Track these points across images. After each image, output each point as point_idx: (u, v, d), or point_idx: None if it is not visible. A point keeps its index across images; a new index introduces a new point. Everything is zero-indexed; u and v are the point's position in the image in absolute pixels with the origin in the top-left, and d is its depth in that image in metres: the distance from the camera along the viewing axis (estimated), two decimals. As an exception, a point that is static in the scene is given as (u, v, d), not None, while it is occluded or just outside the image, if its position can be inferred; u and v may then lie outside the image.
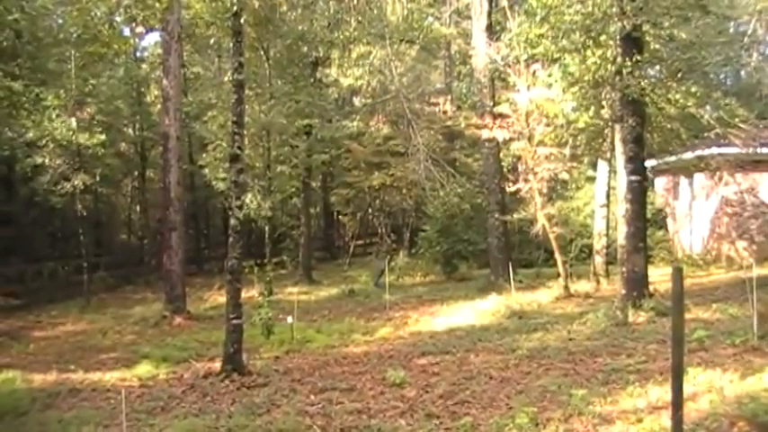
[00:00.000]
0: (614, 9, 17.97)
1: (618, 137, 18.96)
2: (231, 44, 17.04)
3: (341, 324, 21.20)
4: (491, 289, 25.19)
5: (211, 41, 37.76)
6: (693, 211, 30.48)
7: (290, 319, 18.71)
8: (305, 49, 35.45)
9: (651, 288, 18.88)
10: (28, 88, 26.75)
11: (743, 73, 52.71)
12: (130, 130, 44.03)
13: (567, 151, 24.64)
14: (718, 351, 12.94)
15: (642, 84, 18.07)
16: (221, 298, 21.66)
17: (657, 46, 19.97)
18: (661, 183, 34.41)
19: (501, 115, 25.26)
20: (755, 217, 27.49)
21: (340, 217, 50.55)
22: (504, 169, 30.23)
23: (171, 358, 16.78)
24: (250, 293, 23.74)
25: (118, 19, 21.41)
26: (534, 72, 23.23)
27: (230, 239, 14.71)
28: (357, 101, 48.18)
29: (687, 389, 9.24)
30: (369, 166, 39.25)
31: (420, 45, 41.84)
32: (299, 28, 33.50)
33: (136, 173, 45.17)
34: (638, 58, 18.05)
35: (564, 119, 23.32)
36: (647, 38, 19.21)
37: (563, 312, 20.12)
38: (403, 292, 28.03)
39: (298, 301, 21.92)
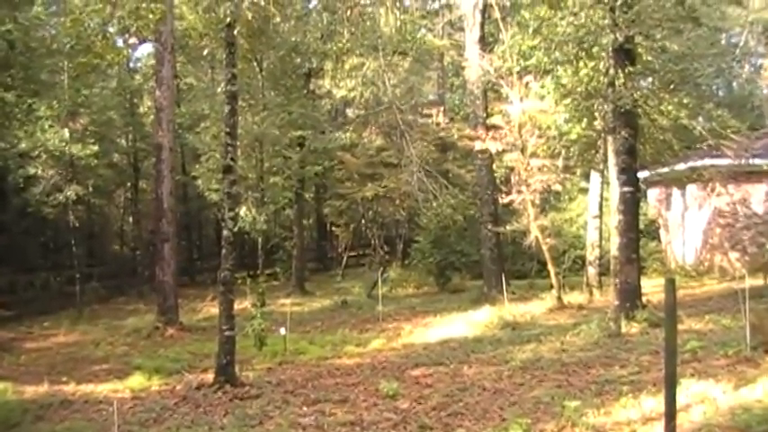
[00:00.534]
0: (606, 21, 18.02)
1: (610, 148, 18.98)
2: (224, 55, 17.05)
3: (334, 335, 21.19)
4: (484, 300, 25.21)
5: (204, 52, 37.76)
6: (686, 221, 30.54)
7: (282, 331, 18.67)
8: (298, 60, 35.50)
9: (644, 299, 18.90)
10: (21, 99, 26.85)
11: (735, 84, 52.96)
12: (123, 141, 44.00)
13: (559, 163, 24.67)
14: (712, 362, 12.94)
15: (635, 95, 18.12)
16: (214, 309, 21.66)
17: (650, 57, 20.04)
18: (654, 194, 34.46)
19: (494, 127, 25.28)
20: (748, 228, 27.54)
21: (333, 228, 50.46)
22: (497, 181, 30.24)
23: (163, 370, 16.73)
24: (243, 305, 23.69)
25: (111, 30, 21.42)
26: (527, 84, 23.27)
27: (223, 251, 14.69)
28: (350, 112, 48.22)
29: (680, 400, 9.25)
30: (362, 178, 39.22)
31: (413, 56, 41.86)
32: (293, 39, 33.56)
33: (129, 184, 45.07)
34: (631, 69, 18.12)
35: (557, 130, 23.38)
36: (640, 49, 19.29)
37: (556, 323, 20.11)
38: (396, 303, 28.01)
39: (290, 313, 21.88)
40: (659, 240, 32.81)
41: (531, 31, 20.64)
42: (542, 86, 22.38)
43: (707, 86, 37.05)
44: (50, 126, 30.48)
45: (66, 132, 30.98)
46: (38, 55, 29.87)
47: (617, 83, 18.05)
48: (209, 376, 14.65)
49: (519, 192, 23.92)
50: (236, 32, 21.31)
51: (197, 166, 34.73)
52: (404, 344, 19.23)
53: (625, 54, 18.19)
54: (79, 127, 32.33)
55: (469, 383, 13.13)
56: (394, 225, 45.52)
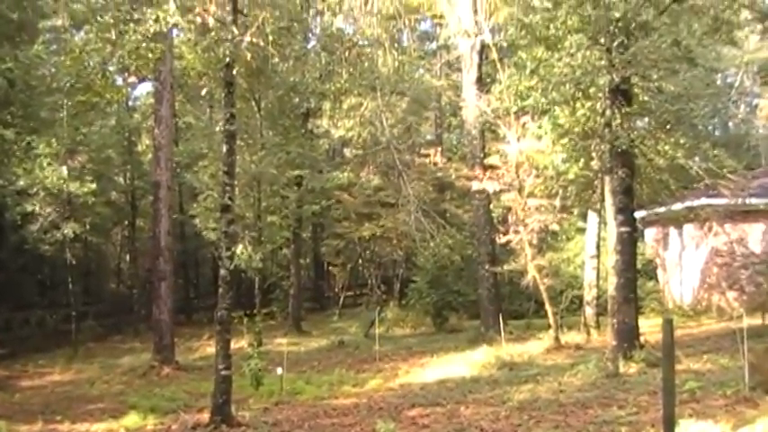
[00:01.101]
0: (603, 62, 18.13)
1: (607, 188, 19.02)
2: (223, 95, 17.12)
3: (330, 375, 21.08)
4: (481, 340, 25.11)
5: (203, 92, 37.96)
6: (683, 261, 30.53)
7: (279, 370, 18.58)
8: (296, 100, 35.65)
9: (642, 339, 18.83)
10: (20, 136, 26.90)
11: (731, 124, 53.29)
12: (121, 179, 44.03)
13: (557, 202, 24.72)
14: (710, 402, 12.87)
15: (631, 135, 18.19)
16: (210, 348, 21.52)
17: (646, 98, 20.16)
18: (651, 233, 34.49)
19: (491, 167, 25.37)
20: (745, 267, 27.54)
21: (330, 267, 50.42)
22: (495, 220, 30.28)
23: (159, 409, 16.62)
24: (239, 344, 23.58)
25: (111, 68, 21.52)
26: (524, 124, 23.38)
27: (220, 290, 14.67)
28: (348, 152, 48.38)
29: (679, 440, 9.18)
30: (359, 217, 39.26)
31: (411, 96, 42.10)
32: (291, 79, 33.70)
33: (126, 222, 45.06)
34: (627, 109, 18.22)
35: (554, 170, 23.42)
36: (636, 90, 19.41)
37: (554, 363, 20.03)
38: (393, 343, 27.91)
39: (287, 352, 21.76)
40: (657, 280, 32.79)
41: (528, 71, 20.71)
42: (539, 126, 22.45)
43: (703, 126, 37.33)
44: (49, 164, 30.56)
45: (64, 170, 31.06)
46: (37, 93, 29.99)
47: (614, 123, 18.13)
48: (205, 416, 14.55)
49: (516, 231, 23.94)
50: (234, 72, 21.44)
51: (194, 205, 34.76)
52: (401, 384, 19.14)
53: (622, 94, 18.29)
54: (77, 165, 32.43)
55: (467, 424, 13.04)
56: (391, 265, 45.47)
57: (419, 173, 39.19)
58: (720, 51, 36.29)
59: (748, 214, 26.92)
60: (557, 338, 22.93)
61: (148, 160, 38.83)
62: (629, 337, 18.21)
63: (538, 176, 23.84)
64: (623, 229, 18.46)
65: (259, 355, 19.20)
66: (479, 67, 28.28)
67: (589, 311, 26.31)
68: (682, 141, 19.66)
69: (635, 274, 19.47)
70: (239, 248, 29.03)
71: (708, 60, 25.30)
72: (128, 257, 48.67)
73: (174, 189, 33.43)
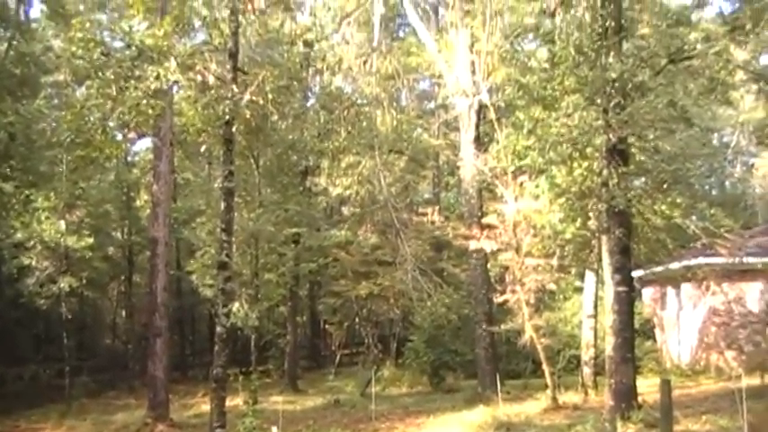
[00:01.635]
0: (600, 122, 18.30)
1: (605, 248, 19.07)
2: (222, 152, 17.29)
3: (326, 434, 20.90)
4: (478, 400, 24.94)
5: (202, 148, 38.18)
6: (681, 320, 30.44)
7: (274, 429, 18.40)
8: (295, 158, 35.85)
9: (640, 399, 18.72)
10: (19, 189, 27.02)
11: (727, 183, 53.60)
12: (119, 234, 44.10)
13: (554, 262, 24.70)
14: (709, 464, 12.77)
15: (628, 195, 18.28)
16: (205, 405, 21.41)
17: (643, 158, 20.31)
18: (648, 293, 34.43)
19: (489, 226, 25.39)
20: (743, 326, 27.45)
21: (326, 326, 50.17)
22: (492, 279, 30.21)
23: (152, 466, 16.46)
24: (235, 401, 23.42)
25: (111, 124, 21.70)
26: (521, 183, 23.46)
27: (216, 347, 14.66)
28: (346, 210, 48.46)
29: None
30: (356, 276, 39.18)
31: (409, 155, 42.35)
32: (290, 137, 33.92)
33: (122, 277, 45.01)
34: (624, 169, 18.34)
35: (551, 230, 23.46)
36: (633, 150, 19.56)
37: (551, 424, 19.88)
38: (390, 402, 27.69)
39: (283, 411, 21.59)
40: (654, 339, 32.65)
41: (525, 131, 20.90)
42: (537, 186, 22.56)
43: (700, 186, 37.54)
44: (47, 217, 30.66)
45: (62, 224, 31.13)
46: (37, 146, 30.23)
47: (610, 183, 18.23)
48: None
49: (513, 291, 23.90)
50: (234, 129, 21.66)
51: (192, 261, 34.74)
52: (397, 444, 18.99)
53: (618, 154, 18.43)
54: (75, 219, 32.53)
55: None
56: (388, 323, 45.29)
57: (416, 231, 39.21)
58: (716, 111, 36.72)
59: (746, 273, 26.91)
60: (554, 398, 22.77)
61: (146, 216, 38.93)
62: (626, 398, 18.11)
63: (535, 236, 23.87)
64: (620, 288, 18.47)
65: (254, 413, 19.00)
66: (477, 126, 28.49)
67: (587, 371, 26.16)
68: (678, 201, 19.75)
69: (632, 333, 19.43)
70: (236, 306, 29.03)
71: (704, 120, 25.60)
72: (123, 313, 48.55)
73: (172, 245, 33.47)
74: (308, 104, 38.40)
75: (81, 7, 36.22)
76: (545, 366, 23.58)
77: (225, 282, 14.95)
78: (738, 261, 24.55)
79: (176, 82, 22.69)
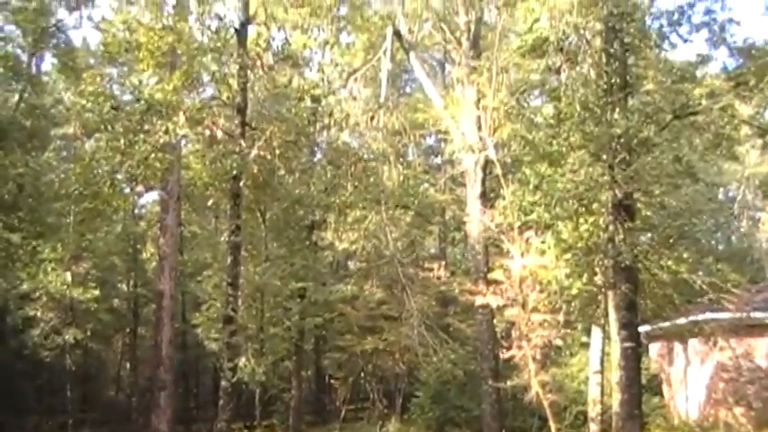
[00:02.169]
0: (606, 177, 18.39)
1: (611, 303, 19.07)
2: (229, 206, 17.40)
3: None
4: (484, 457, 24.73)
5: (209, 202, 38.34)
6: (689, 376, 30.21)
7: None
8: (301, 212, 35.88)
9: (648, 456, 18.56)
10: (26, 240, 27.08)
11: (734, 238, 53.60)
12: (124, 286, 44.07)
13: (560, 317, 24.60)
14: None
15: (634, 251, 18.33)
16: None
17: (649, 213, 20.39)
18: (655, 348, 34.23)
19: (495, 281, 25.31)
20: (752, 382, 27.21)
21: (332, 380, 49.88)
22: (498, 335, 30.06)
23: None
24: (238, 456, 23.22)
25: (119, 177, 21.89)
26: (528, 239, 23.43)
27: (221, 401, 14.63)
28: (352, 264, 48.40)
29: None
30: (362, 330, 39.02)
31: (415, 210, 42.38)
32: (297, 192, 34.02)
33: (128, 329, 44.87)
34: (630, 225, 18.40)
35: (557, 285, 23.40)
36: (639, 205, 19.65)
37: (558, 481, 19.66)
38: (394, 458, 27.46)
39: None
40: (662, 395, 32.39)
41: (531, 187, 20.99)
42: (543, 242, 22.54)
43: (706, 241, 37.56)
44: (53, 269, 30.70)
45: (68, 275, 31.17)
46: (45, 198, 30.36)
47: (617, 238, 18.27)
48: None
49: (520, 347, 23.73)
50: (241, 184, 21.81)
51: (197, 315, 34.62)
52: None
53: (624, 210, 18.50)
54: (82, 271, 32.56)
55: None
56: (393, 379, 44.95)
57: (423, 287, 39.10)
58: (722, 166, 36.86)
59: (753, 328, 26.75)
60: (561, 456, 22.55)
61: (153, 268, 38.95)
62: (634, 455, 17.95)
63: (541, 291, 23.76)
64: (627, 344, 18.43)
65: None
66: (483, 182, 28.62)
67: (594, 428, 25.95)
68: (685, 256, 19.75)
69: (640, 389, 19.32)
70: (242, 361, 29.00)
71: (709, 175, 25.72)
72: (128, 365, 48.33)
73: (178, 298, 33.46)
74: (315, 159, 38.56)
75: (92, 61, 36.64)
76: (552, 423, 23.34)
77: (230, 336, 14.95)
78: (746, 316, 24.44)
79: (185, 136, 22.92)
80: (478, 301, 25.75)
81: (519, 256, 23.60)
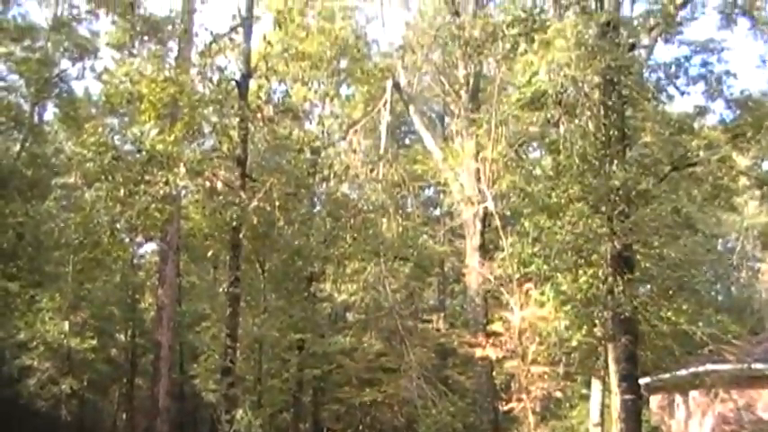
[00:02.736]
0: (605, 229, 18.46)
1: (611, 355, 19.03)
2: (228, 257, 17.41)
3: None
4: None
5: (209, 253, 38.31)
6: (690, 428, 29.91)
7: None
8: (300, 263, 35.87)
9: None
10: (24, 289, 27.02)
11: (733, 288, 53.55)
12: (122, 336, 43.83)
13: (560, 369, 24.52)
14: None
15: (634, 302, 18.33)
16: None
17: (648, 264, 20.41)
18: (656, 400, 33.96)
19: (494, 333, 25.29)
20: (754, 434, 27.01)
21: (329, 433, 49.48)
22: (498, 387, 29.92)
23: None
24: None
25: (119, 227, 21.93)
26: (527, 291, 23.45)
27: (218, 451, 14.46)
28: (350, 316, 48.21)
29: None
30: (360, 383, 38.79)
31: (414, 262, 42.35)
32: (296, 243, 34.03)
33: (125, 379, 44.50)
34: (630, 276, 18.42)
35: (557, 337, 23.36)
36: (638, 257, 19.68)
37: None
38: None
39: None
40: (663, 448, 32.13)
41: (530, 238, 21.05)
42: (542, 293, 22.55)
43: (706, 292, 37.49)
44: (51, 318, 30.58)
45: (65, 325, 31.03)
46: (45, 247, 30.35)
47: (616, 290, 18.29)
48: None
49: (519, 399, 23.64)
50: (241, 235, 21.84)
51: (195, 366, 34.43)
52: None
53: (623, 261, 18.53)
54: (79, 320, 32.42)
55: None
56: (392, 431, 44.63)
57: (422, 339, 39.00)
58: (720, 217, 36.91)
59: (755, 380, 26.55)
60: None
61: (151, 318, 38.75)
62: None
63: (541, 343, 23.73)
64: (627, 396, 18.35)
65: None
66: (482, 233, 28.69)
67: (596, 480, 25.73)
68: (684, 307, 19.76)
69: (640, 442, 19.17)
70: (239, 413, 28.79)
71: (708, 226, 25.78)
72: (124, 416, 47.82)
73: (176, 348, 33.31)
74: (315, 211, 38.65)
75: (93, 111, 36.89)
76: (552, 476, 23.19)
77: (228, 387, 14.87)
78: (747, 367, 24.35)
79: (185, 187, 23.00)
80: (478, 353, 25.69)
81: (518, 307, 23.60)
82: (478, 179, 29.01)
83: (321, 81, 38.33)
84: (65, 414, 31.53)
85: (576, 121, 21.27)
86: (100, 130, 23.36)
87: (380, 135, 34.84)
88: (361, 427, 43.12)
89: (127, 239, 37.62)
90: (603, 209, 18.70)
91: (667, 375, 29.01)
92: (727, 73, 23.10)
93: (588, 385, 28.85)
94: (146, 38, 34.21)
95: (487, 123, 28.72)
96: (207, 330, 33.70)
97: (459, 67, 31.63)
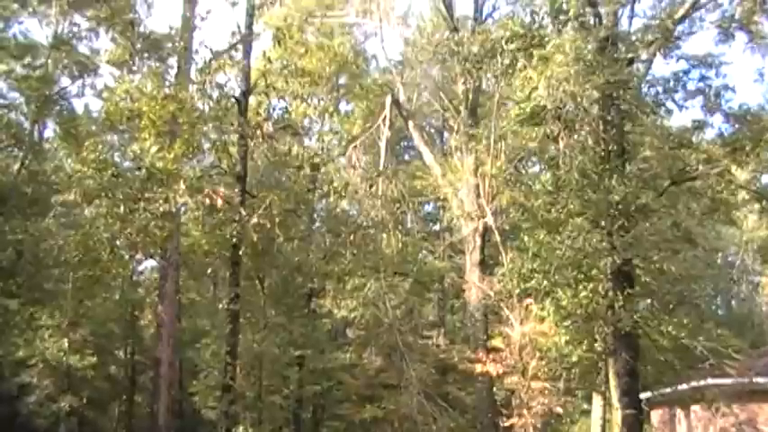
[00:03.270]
0: (604, 244, 18.46)
1: (612, 370, 19.02)
2: (228, 274, 17.39)
3: None
4: None
5: (209, 270, 38.26)
6: (692, 443, 29.89)
7: None
8: (300, 280, 35.84)
9: None
10: (24, 307, 26.96)
11: (734, 302, 53.60)
12: (122, 354, 43.71)
13: (560, 385, 24.51)
14: None
15: (634, 317, 18.32)
16: None
17: (648, 279, 20.42)
18: (657, 415, 33.81)
19: (494, 349, 25.31)
20: (756, 448, 26.91)
21: (330, 451, 49.30)
22: (498, 403, 29.86)
23: None
24: None
25: (119, 244, 21.92)
26: (527, 306, 23.48)
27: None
28: (350, 332, 48.13)
29: None
30: (361, 399, 38.70)
31: (414, 278, 42.30)
32: (296, 259, 34.03)
33: (124, 397, 44.35)
34: (630, 291, 18.42)
35: (557, 352, 23.36)
36: (638, 271, 19.69)
37: None
38: None
39: None
40: (665, 463, 32.03)
41: (530, 254, 21.05)
42: (542, 309, 22.56)
43: (706, 306, 37.52)
44: (50, 335, 30.50)
45: (65, 342, 30.94)
46: (44, 264, 30.30)
47: (616, 305, 18.29)
48: None
49: (520, 415, 23.64)
50: (240, 252, 21.83)
51: (195, 383, 34.36)
52: None
53: (623, 276, 18.53)
54: (79, 337, 32.32)
55: None
56: (392, 448, 44.48)
57: (422, 355, 38.90)
58: (720, 231, 36.92)
59: (756, 394, 26.42)
60: None
61: (150, 335, 38.68)
62: None
63: (541, 359, 23.75)
64: (628, 411, 18.32)
65: None
66: (482, 249, 28.68)
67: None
68: (685, 321, 19.76)
69: (642, 457, 19.14)
70: (240, 430, 28.71)
71: (708, 240, 25.79)
72: (123, 433, 47.66)
73: (175, 365, 33.23)
74: (314, 227, 38.67)
75: (93, 128, 36.91)
76: (553, 492, 23.13)
77: (228, 404, 14.84)
78: (748, 382, 24.30)
79: (185, 204, 22.99)
80: (478, 368, 25.73)
81: (518, 323, 23.65)
82: (478, 194, 29.04)
83: (320, 97, 38.45)
84: (63, 432, 31.41)
85: (576, 136, 21.29)
86: (100, 147, 23.40)
87: (380, 151, 34.83)
88: (361, 444, 42.98)
89: (126, 256, 37.53)
90: (603, 224, 18.71)
91: (668, 390, 28.93)
92: (726, 87, 23.18)
93: (589, 400, 28.84)
94: (146, 55, 34.26)
95: (487, 139, 28.78)
96: (207, 347, 33.64)
97: (458, 82, 31.69)
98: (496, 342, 25.56)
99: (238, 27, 24.05)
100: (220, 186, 24.12)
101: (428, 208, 50.83)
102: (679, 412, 30.97)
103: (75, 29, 36.76)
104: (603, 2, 21.26)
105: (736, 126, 23.43)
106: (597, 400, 26.56)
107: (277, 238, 32.23)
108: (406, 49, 42.48)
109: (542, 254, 20.51)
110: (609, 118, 20.80)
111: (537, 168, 32.89)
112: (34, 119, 36.59)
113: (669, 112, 23.38)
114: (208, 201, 22.88)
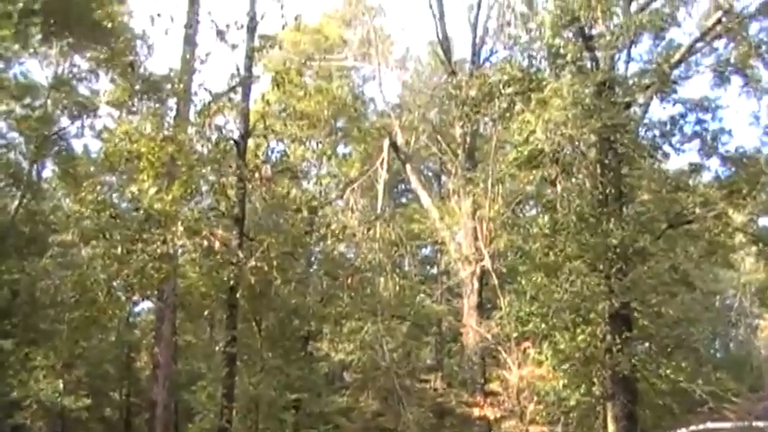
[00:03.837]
0: (602, 288, 18.48)
1: (610, 414, 18.94)
2: (225, 317, 17.35)
3: None
4: None
5: (205, 312, 38.13)
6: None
7: None
8: (297, 322, 35.73)
9: None
10: (18, 347, 26.79)
11: (732, 345, 53.49)
12: (117, 395, 43.44)
13: (559, 429, 24.34)
14: None
15: (632, 360, 18.29)
16: None
17: (646, 322, 20.40)
18: (656, 458, 33.66)
19: (492, 393, 25.16)
20: (757, 493, 26.67)
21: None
22: (496, 448, 29.66)
23: None
24: None
25: (115, 285, 21.83)
26: (525, 349, 23.37)
27: None
28: (347, 376, 47.90)
29: None
30: (357, 443, 38.47)
31: (411, 321, 42.21)
32: (293, 302, 33.92)
33: (119, 439, 44.05)
34: (628, 334, 18.40)
35: (555, 396, 23.23)
36: (636, 315, 19.67)
37: None
38: None
39: None
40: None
41: (528, 297, 21.06)
42: (540, 352, 22.49)
43: (704, 349, 37.40)
44: (45, 376, 30.28)
45: (60, 383, 30.70)
46: (40, 305, 30.20)
47: (614, 348, 18.27)
48: None
49: (518, 460, 23.43)
50: (238, 295, 21.78)
51: (190, 425, 34.12)
52: None
53: (621, 320, 18.53)
54: (74, 378, 32.11)
55: None
56: (389, 493, 44.07)
57: (419, 398, 38.71)
58: (717, 274, 36.89)
59: (755, 438, 26.39)
60: None
61: (146, 377, 38.49)
62: None
63: (539, 403, 23.60)
64: (627, 456, 18.18)
65: None
66: (480, 292, 28.65)
67: None
68: (683, 365, 19.72)
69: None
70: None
71: (705, 283, 25.81)
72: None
73: (171, 408, 32.99)
74: (312, 270, 38.61)
75: (92, 169, 36.98)
76: None
77: (225, 447, 14.69)
78: (747, 425, 24.17)
79: (182, 246, 22.96)
80: (475, 412, 25.56)
81: (516, 367, 23.50)
82: (475, 238, 29.05)
83: (318, 140, 38.63)
84: (57, 475, 31.11)
85: (573, 179, 21.40)
86: (98, 187, 23.43)
87: (377, 194, 34.94)
88: (358, 489, 42.57)
89: (123, 298, 37.43)
90: (601, 267, 18.74)
91: (667, 434, 28.80)
92: (722, 130, 23.38)
93: (587, 445, 28.58)
94: (145, 96, 34.43)
95: (484, 182, 28.82)
96: (203, 389, 33.43)
97: (456, 126, 31.85)
98: (494, 386, 25.41)
99: (238, 70, 24.13)
100: (218, 229, 24.10)
101: (426, 251, 50.83)
102: (678, 455, 30.76)
103: (76, 69, 37.01)
104: (600, 46, 21.45)
105: (733, 169, 23.59)
106: (595, 445, 26.36)
107: (274, 281, 32.10)
108: (404, 93, 42.78)
109: (540, 297, 20.52)
110: (606, 161, 20.90)
111: (534, 212, 32.89)
112: (33, 159, 36.65)
113: (666, 155, 23.54)
114: (205, 243, 22.85)
